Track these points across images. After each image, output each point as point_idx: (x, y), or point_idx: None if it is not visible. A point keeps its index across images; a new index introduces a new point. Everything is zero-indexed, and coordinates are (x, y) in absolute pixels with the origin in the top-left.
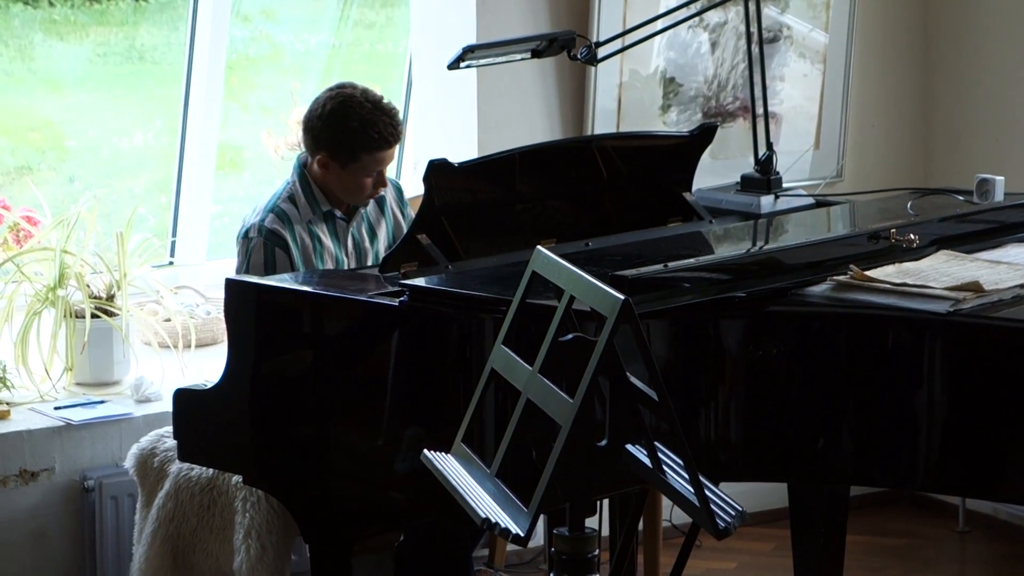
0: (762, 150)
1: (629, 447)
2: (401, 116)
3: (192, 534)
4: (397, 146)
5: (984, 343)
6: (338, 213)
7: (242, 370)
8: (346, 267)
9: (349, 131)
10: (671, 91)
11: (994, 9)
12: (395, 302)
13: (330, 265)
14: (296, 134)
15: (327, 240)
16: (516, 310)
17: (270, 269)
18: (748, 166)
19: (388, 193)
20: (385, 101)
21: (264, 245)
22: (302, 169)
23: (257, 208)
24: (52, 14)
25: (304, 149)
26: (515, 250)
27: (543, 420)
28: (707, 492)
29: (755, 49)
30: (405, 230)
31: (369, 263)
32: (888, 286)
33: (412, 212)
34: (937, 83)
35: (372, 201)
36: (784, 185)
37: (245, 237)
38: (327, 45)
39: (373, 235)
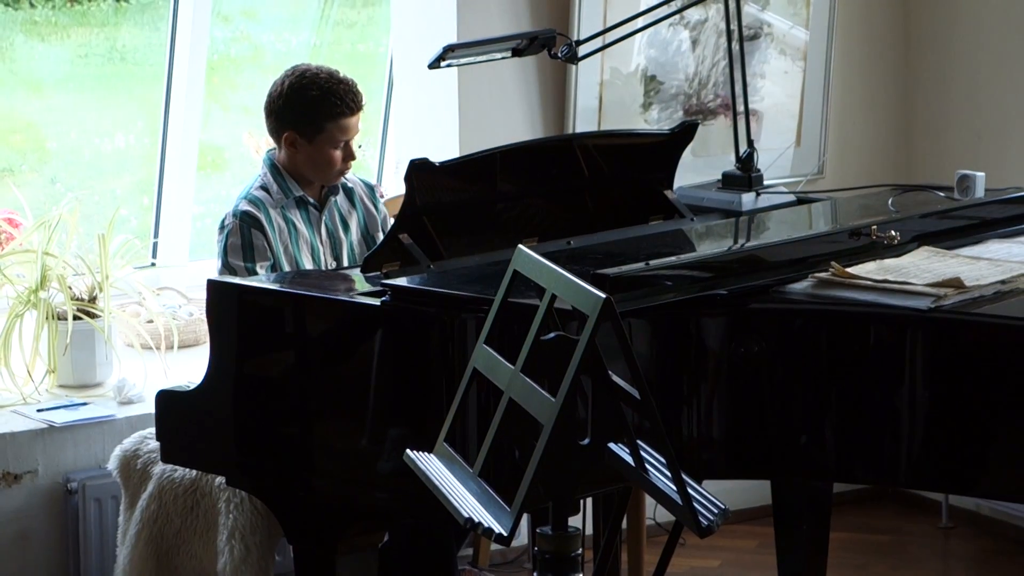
0: (743, 147)
1: (612, 446)
2: (378, 112)
3: (176, 535)
4: (360, 115)
5: (965, 339)
6: (310, 200)
7: (225, 371)
8: (321, 254)
9: (310, 101)
10: (652, 89)
11: (974, 6)
12: (377, 302)
13: (306, 250)
14: None
15: (302, 226)
16: (498, 309)
17: (248, 250)
18: (729, 163)
19: (357, 187)
20: (342, 74)
21: (240, 226)
22: (272, 161)
23: (231, 203)
24: (33, 15)
25: (270, 137)
26: (497, 249)
27: (526, 419)
28: (690, 490)
29: (736, 46)
30: (378, 222)
31: (344, 252)
32: (869, 283)
33: (384, 209)
34: (918, 80)
35: (342, 193)
36: (765, 182)
37: (221, 227)
38: (308, 45)
39: (346, 226)
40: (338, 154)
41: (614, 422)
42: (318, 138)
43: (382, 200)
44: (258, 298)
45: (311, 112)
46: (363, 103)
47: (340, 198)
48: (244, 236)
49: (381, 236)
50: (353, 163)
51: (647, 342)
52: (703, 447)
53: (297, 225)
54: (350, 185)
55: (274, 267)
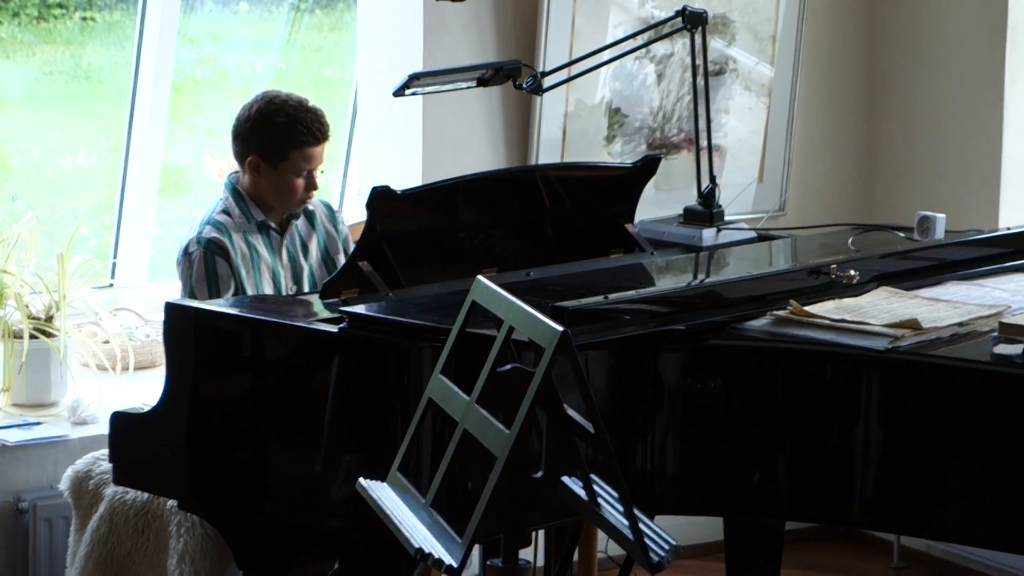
0: (705, 183)
1: (565, 479)
2: (341, 137)
3: (126, 558)
4: (325, 145)
5: (921, 381)
6: (272, 225)
7: (180, 394)
8: (282, 279)
9: (277, 128)
10: (616, 122)
11: (938, 48)
12: (334, 329)
13: (267, 275)
14: None
15: (263, 251)
16: (455, 339)
17: (212, 279)
18: (691, 198)
19: (318, 209)
20: (311, 103)
21: (204, 255)
22: (234, 186)
23: (193, 227)
24: None
25: (235, 162)
26: (456, 279)
27: (479, 450)
28: (641, 526)
29: (700, 82)
30: (339, 243)
31: (304, 277)
32: (827, 322)
33: (346, 229)
34: (881, 120)
35: (303, 217)
36: (726, 218)
37: (185, 253)
38: (274, 68)
39: (306, 249)
40: (300, 182)
41: (568, 455)
42: (281, 165)
43: (343, 223)
44: (215, 322)
45: (277, 138)
46: (329, 133)
47: (300, 222)
48: (208, 264)
49: (342, 258)
50: (315, 192)
51: (604, 375)
52: (656, 482)
53: (259, 250)
54: (311, 208)
55: (237, 293)
